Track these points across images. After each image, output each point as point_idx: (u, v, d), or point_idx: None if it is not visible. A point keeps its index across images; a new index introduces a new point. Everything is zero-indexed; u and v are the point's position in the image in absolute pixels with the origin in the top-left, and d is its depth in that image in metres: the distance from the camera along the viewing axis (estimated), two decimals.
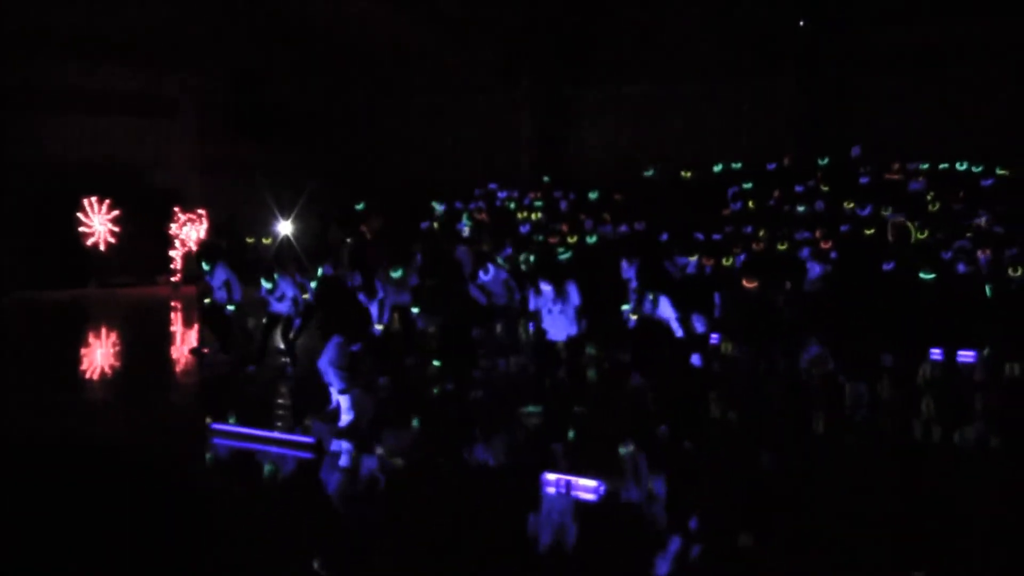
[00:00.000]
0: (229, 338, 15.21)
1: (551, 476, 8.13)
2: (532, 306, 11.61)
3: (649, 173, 29.07)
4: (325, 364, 10.28)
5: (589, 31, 31.58)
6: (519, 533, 7.21)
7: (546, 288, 11.29)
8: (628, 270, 15.66)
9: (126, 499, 7.91)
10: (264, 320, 14.70)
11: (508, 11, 31.29)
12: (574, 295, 11.32)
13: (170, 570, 6.46)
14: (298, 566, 6.47)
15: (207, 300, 15.40)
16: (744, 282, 12.37)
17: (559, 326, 11.41)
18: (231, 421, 10.43)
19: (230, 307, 14.98)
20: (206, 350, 15.74)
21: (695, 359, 10.64)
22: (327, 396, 10.98)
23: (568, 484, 7.99)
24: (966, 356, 14.31)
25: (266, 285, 14.23)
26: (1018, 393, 12.96)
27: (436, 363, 13.85)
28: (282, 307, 14.45)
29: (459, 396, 12.40)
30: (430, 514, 7.69)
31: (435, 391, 12.78)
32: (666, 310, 10.48)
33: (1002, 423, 11.13)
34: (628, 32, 30.82)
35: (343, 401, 10.29)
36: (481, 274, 14.02)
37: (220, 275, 14.95)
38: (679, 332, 10.51)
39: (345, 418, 10.25)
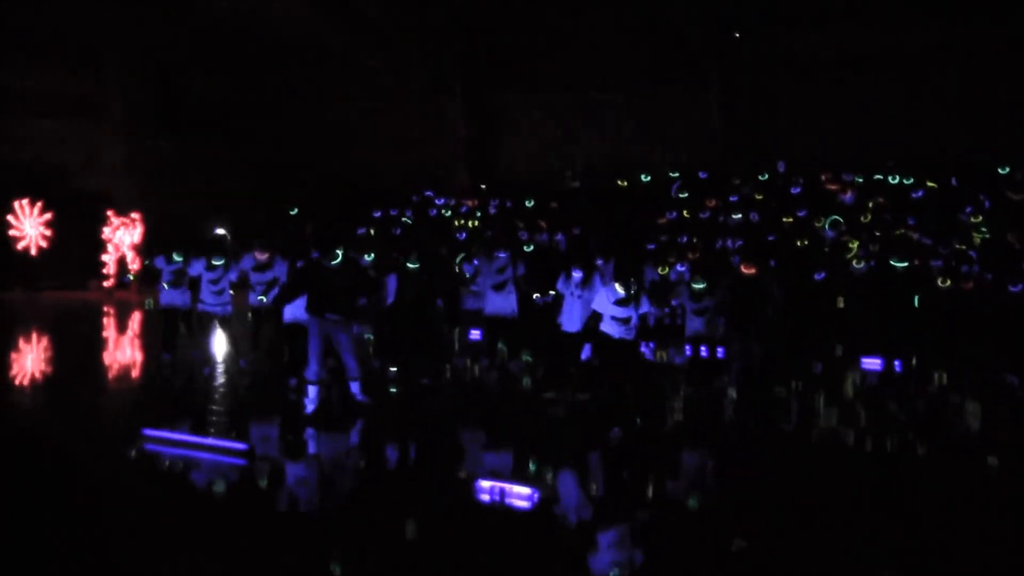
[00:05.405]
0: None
1: (485, 484, 8.11)
2: (560, 288, 12.57)
3: (575, 184, 29.31)
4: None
5: (519, 38, 31.45)
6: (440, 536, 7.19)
7: (576, 274, 12.24)
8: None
9: (39, 503, 7.71)
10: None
11: (433, 17, 31.20)
12: (599, 286, 11.94)
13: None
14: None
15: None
16: (743, 268, 12.60)
17: (575, 316, 12.14)
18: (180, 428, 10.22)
19: None
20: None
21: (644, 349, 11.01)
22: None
23: (503, 492, 7.98)
24: (872, 364, 14.83)
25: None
26: (942, 401, 13.24)
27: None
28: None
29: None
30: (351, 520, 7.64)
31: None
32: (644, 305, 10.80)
33: (928, 429, 11.38)
34: (558, 39, 30.78)
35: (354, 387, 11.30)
36: (476, 263, 15.02)
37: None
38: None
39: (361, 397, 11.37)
